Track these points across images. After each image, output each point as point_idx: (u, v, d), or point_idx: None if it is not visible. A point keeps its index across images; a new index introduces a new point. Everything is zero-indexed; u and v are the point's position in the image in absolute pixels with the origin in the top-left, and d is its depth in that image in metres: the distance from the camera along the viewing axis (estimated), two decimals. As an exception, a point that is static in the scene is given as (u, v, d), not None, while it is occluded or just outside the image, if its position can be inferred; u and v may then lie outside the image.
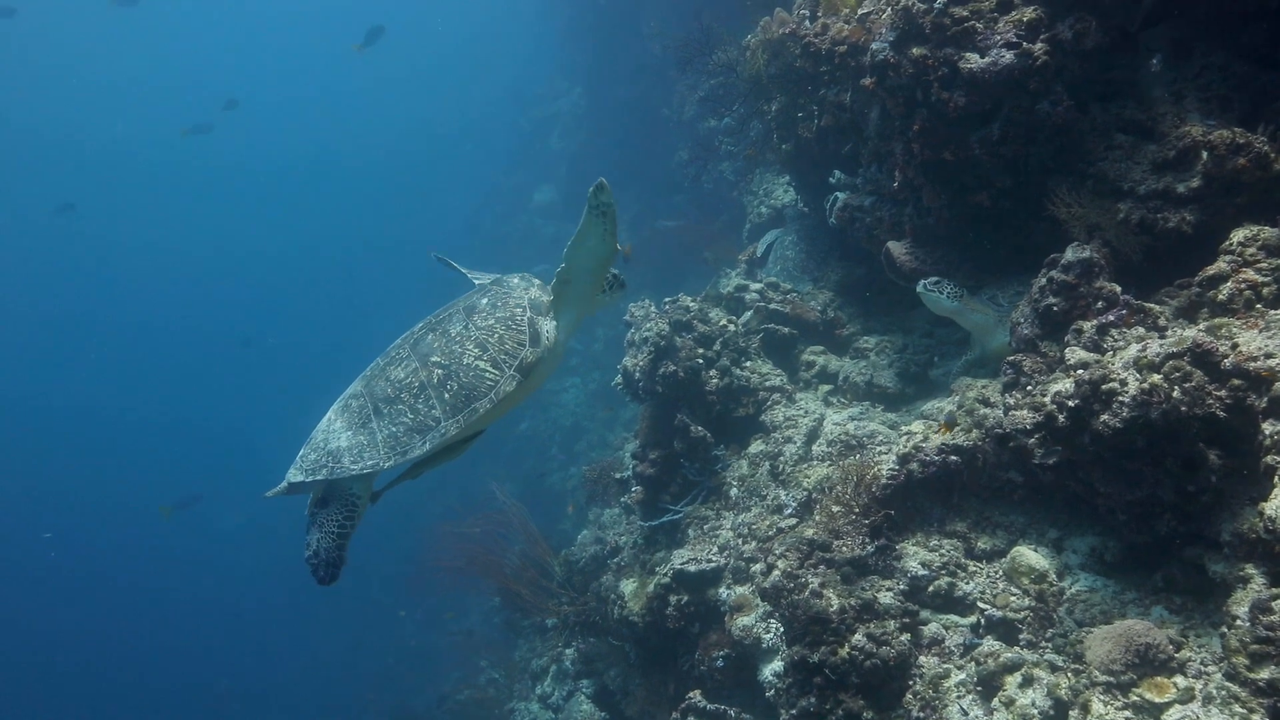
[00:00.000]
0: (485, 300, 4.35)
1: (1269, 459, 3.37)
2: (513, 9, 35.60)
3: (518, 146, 29.10)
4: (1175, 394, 3.63)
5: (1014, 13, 5.01)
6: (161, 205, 52.39)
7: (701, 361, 6.78)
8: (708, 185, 14.53)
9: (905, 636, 4.36)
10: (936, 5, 5.12)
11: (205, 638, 28.34)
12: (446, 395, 4.05)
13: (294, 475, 4.07)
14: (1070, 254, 4.47)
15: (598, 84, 22.48)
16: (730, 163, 13.37)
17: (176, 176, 52.60)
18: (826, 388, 6.85)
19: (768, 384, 6.81)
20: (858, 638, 4.34)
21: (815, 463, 6.01)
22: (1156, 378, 3.69)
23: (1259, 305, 3.86)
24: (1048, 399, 4.14)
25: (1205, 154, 4.47)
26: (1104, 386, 3.84)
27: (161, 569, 32.72)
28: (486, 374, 4.11)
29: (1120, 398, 3.77)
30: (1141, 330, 4.15)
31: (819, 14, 6.78)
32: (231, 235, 52.16)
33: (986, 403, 4.88)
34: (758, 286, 7.58)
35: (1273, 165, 4.28)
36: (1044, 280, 4.60)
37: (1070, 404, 3.98)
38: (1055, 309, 4.51)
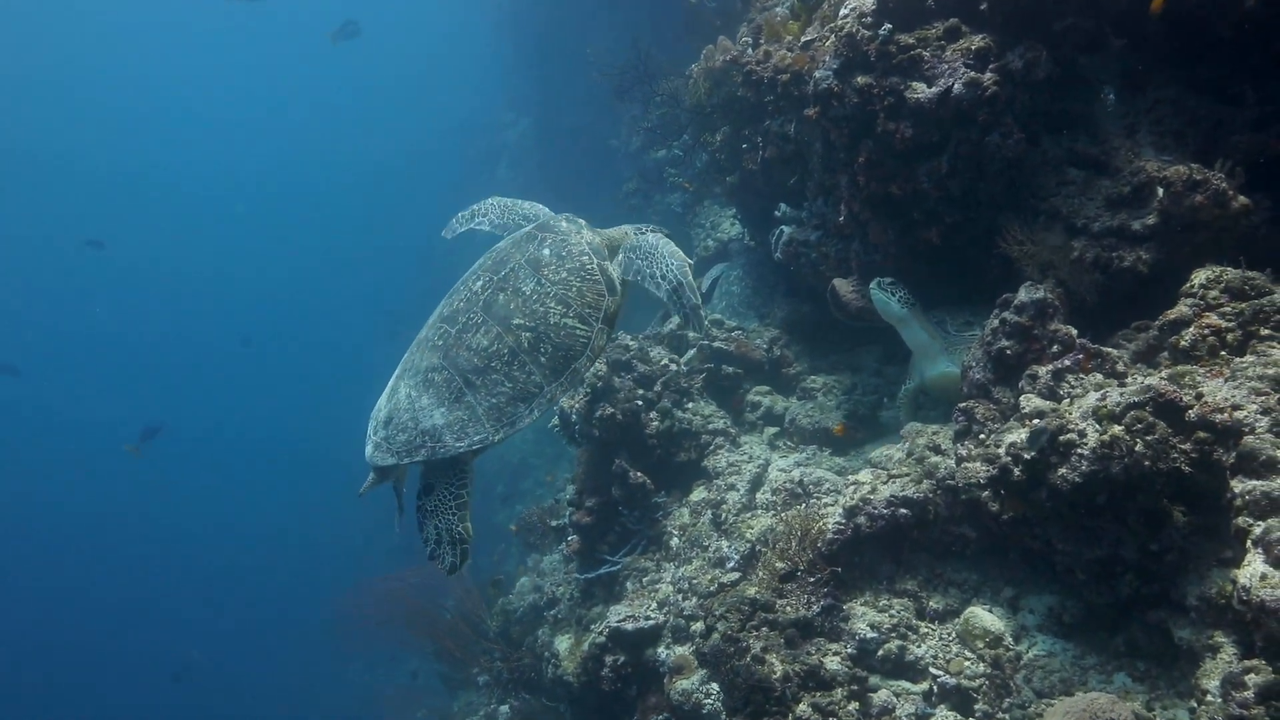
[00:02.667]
0: (548, 251, 4.20)
1: (1240, 520, 3.10)
2: (461, 38, 35.35)
3: (465, 176, 28.69)
4: (1138, 447, 3.38)
5: (962, 41, 4.79)
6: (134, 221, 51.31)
7: (641, 403, 6.43)
8: (654, 217, 14.27)
9: (853, 705, 4.03)
10: (882, 32, 4.88)
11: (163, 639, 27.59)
12: (542, 359, 3.95)
13: (382, 458, 3.86)
14: (1023, 294, 4.22)
15: (546, 114, 22.19)
16: (678, 194, 13.13)
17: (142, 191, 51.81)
18: (772, 430, 6.55)
19: (711, 427, 6.48)
20: (803, 708, 4.02)
21: (760, 512, 5.68)
22: (1117, 429, 3.44)
23: (1223, 352, 3.62)
24: (1002, 450, 3.87)
25: (1161, 190, 4.26)
26: (1061, 438, 3.58)
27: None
28: (578, 331, 4.01)
29: (1079, 450, 3.51)
30: (1099, 376, 3.90)
31: (761, 41, 6.55)
32: (169, 258, 50.94)
33: (938, 450, 4.61)
34: (701, 323, 7.27)
35: (1231, 203, 4.08)
36: (996, 322, 4.34)
37: (1026, 456, 3.72)
38: (1008, 352, 4.25)
